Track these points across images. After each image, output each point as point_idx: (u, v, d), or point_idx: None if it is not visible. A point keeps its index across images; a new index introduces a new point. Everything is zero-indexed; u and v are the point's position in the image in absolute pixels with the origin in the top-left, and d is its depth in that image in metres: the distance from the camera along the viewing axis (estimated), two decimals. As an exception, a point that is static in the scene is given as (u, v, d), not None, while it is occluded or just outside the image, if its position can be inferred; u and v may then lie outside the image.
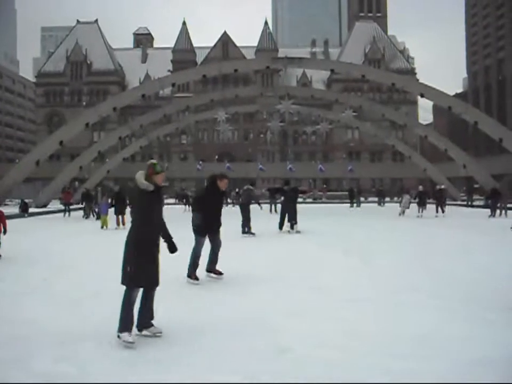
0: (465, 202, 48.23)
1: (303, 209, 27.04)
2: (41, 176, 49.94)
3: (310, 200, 59.90)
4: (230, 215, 18.56)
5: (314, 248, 15.79)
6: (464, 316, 7.12)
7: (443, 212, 31.97)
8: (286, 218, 20.25)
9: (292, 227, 20.03)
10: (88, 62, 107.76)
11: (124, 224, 23.15)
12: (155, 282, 6.26)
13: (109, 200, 24.88)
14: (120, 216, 23.44)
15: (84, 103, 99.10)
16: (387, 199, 54.17)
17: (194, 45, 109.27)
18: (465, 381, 4.76)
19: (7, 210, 24.91)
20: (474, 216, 31.26)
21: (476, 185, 52.94)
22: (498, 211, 31.10)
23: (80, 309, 7.78)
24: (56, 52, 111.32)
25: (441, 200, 32.76)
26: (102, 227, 23.33)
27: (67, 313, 7.54)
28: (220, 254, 10.40)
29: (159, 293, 6.52)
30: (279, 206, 26.61)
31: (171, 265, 8.47)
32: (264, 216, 30.14)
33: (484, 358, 5.37)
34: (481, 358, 5.35)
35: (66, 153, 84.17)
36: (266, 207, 33.44)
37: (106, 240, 18.45)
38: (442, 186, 38.31)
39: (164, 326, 6.54)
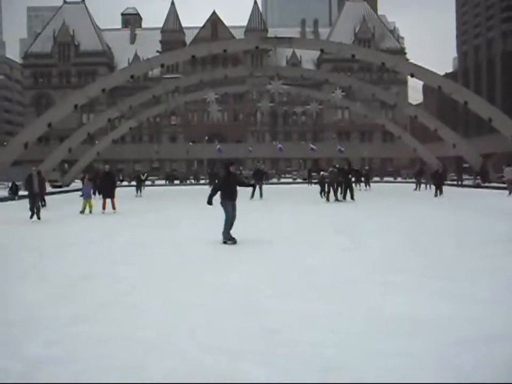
0: (455, 182, 48.57)
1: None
2: (30, 158, 49.48)
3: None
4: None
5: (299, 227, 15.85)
6: (451, 296, 7.16)
7: (369, 186, 41.96)
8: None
9: (343, 197, 27.24)
10: (76, 43, 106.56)
11: (114, 208, 21.77)
12: None
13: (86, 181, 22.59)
14: (108, 200, 21.89)
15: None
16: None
17: (183, 25, 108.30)
18: (454, 359, 4.80)
19: (-4, 193, 24.79)
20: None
21: (465, 165, 53.16)
22: (423, 185, 41.10)
23: (72, 293, 7.79)
24: (43, 33, 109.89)
25: (368, 178, 43.21)
26: (82, 211, 21.46)
27: (59, 297, 7.55)
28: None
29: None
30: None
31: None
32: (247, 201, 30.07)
33: (470, 336, 5.45)
34: (468, 337, 5.43)
35: (55, 136, 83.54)
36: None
37: (95, 225, 18.40)
38: (367, 167, 48.94)
39: (160, 304, 6.56)
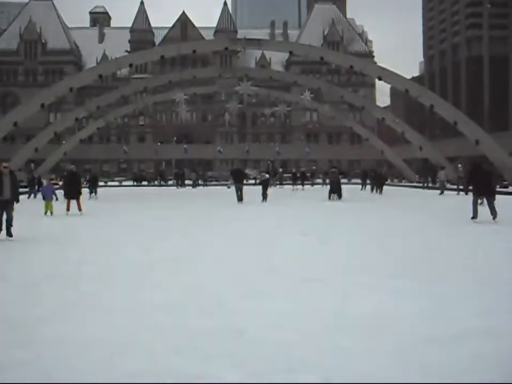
0: (421, 184, 49.28)
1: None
2: (-5, 158, 48.78)
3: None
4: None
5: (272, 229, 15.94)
6: (417, 294, 7.29)
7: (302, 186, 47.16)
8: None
9: (338, 197, 29.40)
10: (43, 40, 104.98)
11: (80, 209, 21.12)
12: None
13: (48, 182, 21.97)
14: (73, 201, 21.24)
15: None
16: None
17: (153, 25, 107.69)
18: (418, 357, 4.89)
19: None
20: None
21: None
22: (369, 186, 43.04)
23: (36, 292, 7.69)
24: (9, 29, 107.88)
25: (296, 180, 48.13)
26: (45, 213, 20.84)
27: (22, 296, 7.44)
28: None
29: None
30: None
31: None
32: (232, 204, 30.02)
33: (436, 334, 5.54)
34: (433, 335, 5.52)
35: (21, 135, 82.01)
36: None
37: (61, 226, 18.19)
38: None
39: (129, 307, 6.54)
